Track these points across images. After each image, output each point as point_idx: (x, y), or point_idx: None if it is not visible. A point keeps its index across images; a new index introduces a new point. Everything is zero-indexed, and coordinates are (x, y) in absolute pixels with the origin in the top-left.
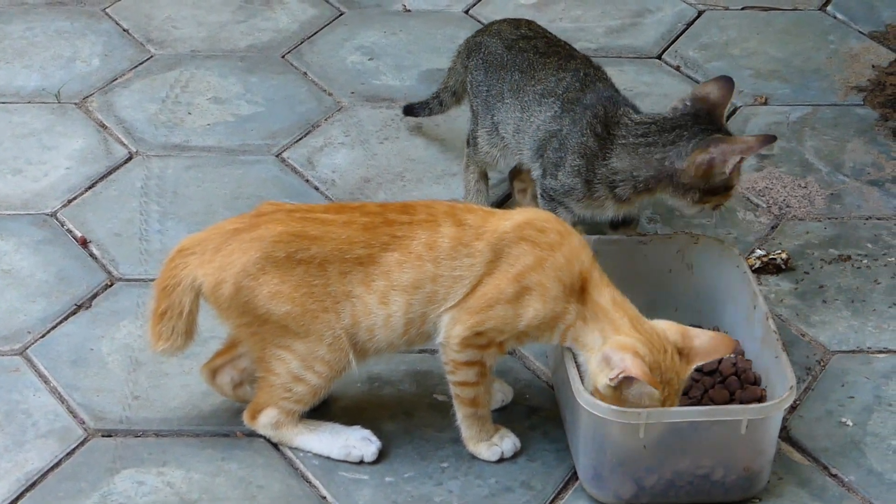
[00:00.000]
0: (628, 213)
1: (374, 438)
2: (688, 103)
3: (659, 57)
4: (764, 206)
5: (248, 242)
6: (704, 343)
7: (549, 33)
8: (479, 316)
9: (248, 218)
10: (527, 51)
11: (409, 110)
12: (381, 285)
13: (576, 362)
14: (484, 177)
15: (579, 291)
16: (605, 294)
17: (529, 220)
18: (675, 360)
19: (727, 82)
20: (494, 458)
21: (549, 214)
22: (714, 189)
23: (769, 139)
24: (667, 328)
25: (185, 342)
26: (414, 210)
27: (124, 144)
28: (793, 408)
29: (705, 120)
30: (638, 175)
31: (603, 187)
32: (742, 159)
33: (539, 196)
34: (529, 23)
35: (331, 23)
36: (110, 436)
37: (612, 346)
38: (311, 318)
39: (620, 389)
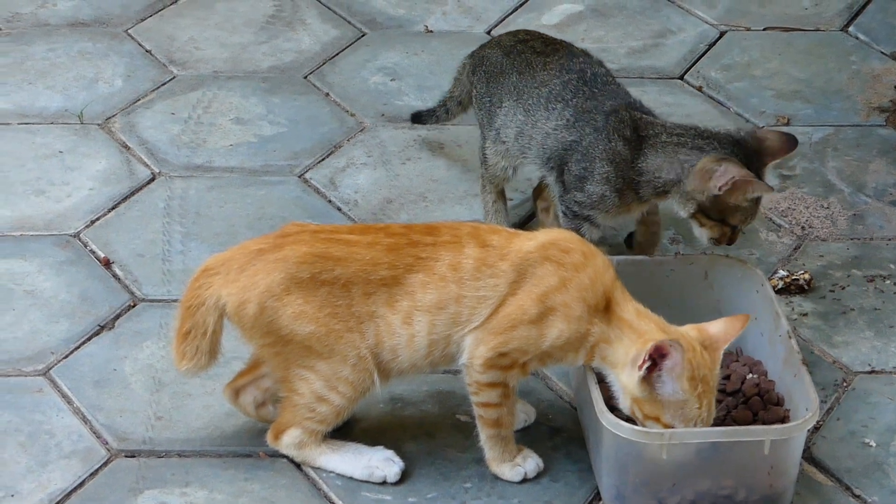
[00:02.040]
0: (650, 217)
1: (397, 459)
2: (742, 133)
3: (681, 77)
4: (786, 226)
5: (272, 263)
6: (720, 329)
7: (547, 35)
8: (502, 336)
9: (273, 238)
10: (524, 52)
11: (417, 118)
12: (405, 306)
13: (605, 383)
14: (501, 196)
15: (603, 311)
16: (629, 308)
17: (554, 240)
18: (705, 357)
19: (791, 141)
20: (518, 478)
21: (574, 235)
22: (709, 210)
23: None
24: (687, 330)
25: (208, 361)
26: (438, 231)
27: (147, 165)
28: (816, 428)
29: (743, 152)
30: (660, 175)
31: (630, 192)
32: (737, 182)
33: (561, 214)
34: (528, 31)
35: (353, 44)
36: (133, 456)
37: (639, 346)
38: (335, 339)
39: (654, 386)
